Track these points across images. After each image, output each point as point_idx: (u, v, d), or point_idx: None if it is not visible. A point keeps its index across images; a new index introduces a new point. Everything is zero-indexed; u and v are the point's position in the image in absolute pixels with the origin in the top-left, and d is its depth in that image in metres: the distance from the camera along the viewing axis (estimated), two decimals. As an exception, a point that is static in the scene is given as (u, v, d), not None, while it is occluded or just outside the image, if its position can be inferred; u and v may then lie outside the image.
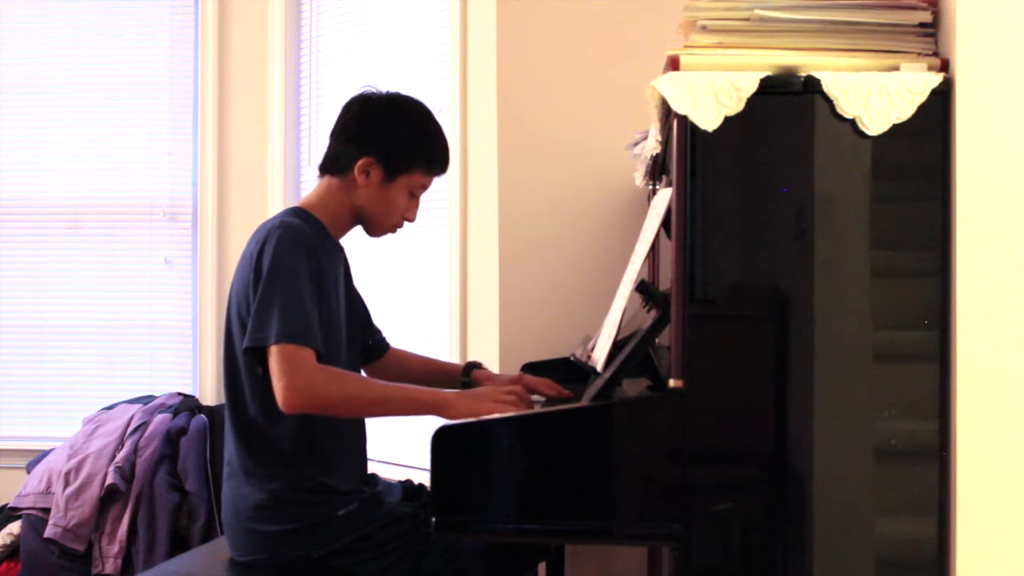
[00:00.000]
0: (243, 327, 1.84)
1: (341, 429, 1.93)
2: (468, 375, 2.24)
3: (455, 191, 2.82)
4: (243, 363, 1.87)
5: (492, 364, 2.63)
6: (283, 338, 1.75)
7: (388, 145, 1.95)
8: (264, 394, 1.84)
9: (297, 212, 1.97)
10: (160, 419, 3.11)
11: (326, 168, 2.00)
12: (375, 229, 2.03)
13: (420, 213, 2.06)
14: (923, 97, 1.45)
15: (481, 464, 1.57)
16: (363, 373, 2.20)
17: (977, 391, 1.43)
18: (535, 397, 2.06)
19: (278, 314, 1.77)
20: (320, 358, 1.79)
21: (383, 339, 2.26)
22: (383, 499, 1.96)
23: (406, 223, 2.03)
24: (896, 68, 1.48)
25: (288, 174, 3.39)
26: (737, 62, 1.48)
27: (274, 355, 1.76)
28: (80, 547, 2.95)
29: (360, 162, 1.94)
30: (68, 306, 3.58)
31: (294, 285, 1.80)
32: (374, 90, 2.00)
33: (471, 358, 2.77)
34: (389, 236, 2.06)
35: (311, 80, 3.41)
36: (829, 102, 1.46)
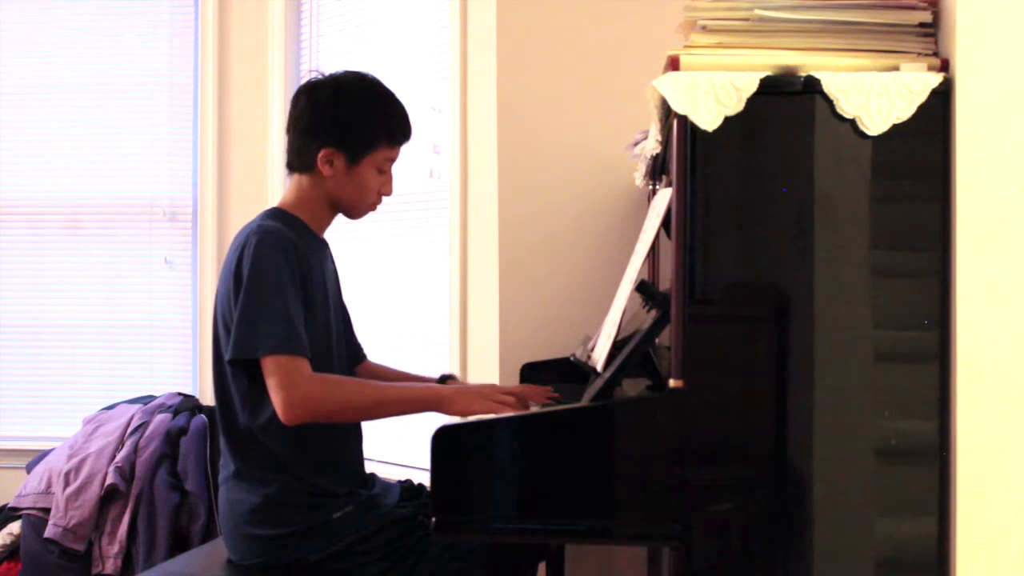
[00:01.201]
0: (228, 336, 1.82)
1: (334, 431, 1.92)
2: None
3: (455, 192, 2.82)
4: (230, 372, 1.86)
5: (492, 364, 2.63)
6: (273, 350, 1.75)
7: (343, 131, 1.92)
8: (253, 401, 1.83)
9: (275, 213, 1.95)
10: (160, 419, 3.11)
11: (292, 166, 1.98)
12: (354, 213, 2.01)
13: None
14: (923, 97, 1.45)
15: (481, 464, 1.57)
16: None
17: (977, 391, 1.43)
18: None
19: (263, 324, 1.76)
20: (311, 364, 1.78)
21: (360, 350, 2.24)
22: (380, 501, 1.95)
23: (385, 199, 2.01)
24: (896, 68, 1.48)
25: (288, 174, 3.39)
26: (737, 62, 1.48)
27: (268, 368, 1.75)
28: (80, 547, 2.95)
29: (320, 154, 1.91)
30: (68, 306, 3.57)
31: (276, 292, 1.78)
32: (318, 76, 1.97)
33: (471, 358, 2.77)
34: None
35: (311, 80, 3.40)
36: (829, 102, 1.46)
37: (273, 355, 1.75)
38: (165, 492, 2.96)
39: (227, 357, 1.81)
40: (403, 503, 2.00)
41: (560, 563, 2.27)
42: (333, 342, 1.96)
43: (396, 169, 2.02)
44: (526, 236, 2.67)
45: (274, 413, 1.78)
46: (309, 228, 1.96)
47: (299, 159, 1.96)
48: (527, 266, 2.66)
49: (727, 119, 1.45)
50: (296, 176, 1.98)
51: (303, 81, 1.99)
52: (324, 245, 2.03)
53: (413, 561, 1.85)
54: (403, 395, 1.85)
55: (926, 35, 1.50)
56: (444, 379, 2.21)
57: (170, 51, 3.56)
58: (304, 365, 1.76)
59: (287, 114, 2.00)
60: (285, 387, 1.73)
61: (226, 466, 1.91)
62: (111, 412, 3.25)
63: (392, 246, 3.11)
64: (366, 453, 2.05)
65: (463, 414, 1.78)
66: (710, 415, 1.49)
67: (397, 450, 3.00)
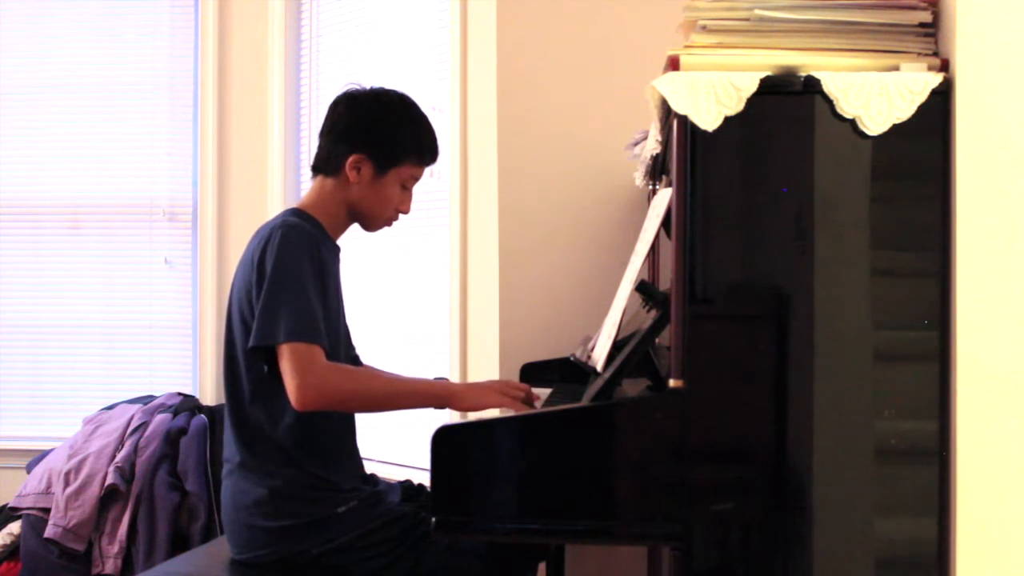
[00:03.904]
0: (245, 327, 1.85)
1: (338, 427, 1.93)
2: None
3: (455, 191, 2.82)
4: (244, 363, 1.88)
5: (492, 364, 2.63)
6: (292, 336, 1.77)
7: (376, 140, 1.95)
8: (266, 392, 1.85)
9: (296, 213, 1.98)
10: (160, 419, 3.11)
11: (318, 168, 2.01)
12: (371, 224, 2.04)
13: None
14: (923, 97, 1.45)
15: (481, 464, 1.57)
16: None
17: (977, 391, 1.43)
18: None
19: (284, 312, 1.78)
20: (327, 355, 1.79)
21: (356, 355, 2.24)
22: (383, 497, 1.96)
23: (401, 216, 2.04)
24: (896, 68, 1.48)
25: (288, 174, 3.40)
26: (737, 62, 1.48)
27: (285, 354, 1.77)
28: (80, 547, 2.95)
29: (350, 159, 1.94)
30: (68, 306, 3.58)
31: (298, 283, 1.81)
32: (359, 87, 2.01)
33: (471, 358, 2.77)
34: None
35: (311, 80, 3.41)
36: (829, 102, 1.46)
37: (290, 342, 1.76)
38: (165, 492, 2.96)
39: (249, 344, 1.82)
40: (404, 503, 2.01)
41: (560, 563, 2.27)
42: (340, 343, 1.98)
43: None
44: (526, 236, 2.67)
45: (285, 405, 1.79)
46: (326, 231, 1.98)
47: (327, 162, 1.99)
48: (527, 266, 2.66)
49: (727, 119, 1.45)
50: (320, 179, 2.01)
51: (342, 90, 2.02)
52: (338, 250, 2.04)
53: (414, 558, 1.86)
54: (415, 388, 1.87)
55: (926, 35, 1.50)
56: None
57: (170, 51, 3.56)
58: (320, 353, 1.78)
59: (323, 118, 2.02)
60: (300, 373, 1.75)
61: (231, 458, 1.92)
62: (111, 412, 3.25)
63: (392, 246, 3.11)
64: (366, 453, 2.06)
65: (476, 409, 1.79)
66: (710, 415, 1.49)
67: (397, 450, 3.00)
